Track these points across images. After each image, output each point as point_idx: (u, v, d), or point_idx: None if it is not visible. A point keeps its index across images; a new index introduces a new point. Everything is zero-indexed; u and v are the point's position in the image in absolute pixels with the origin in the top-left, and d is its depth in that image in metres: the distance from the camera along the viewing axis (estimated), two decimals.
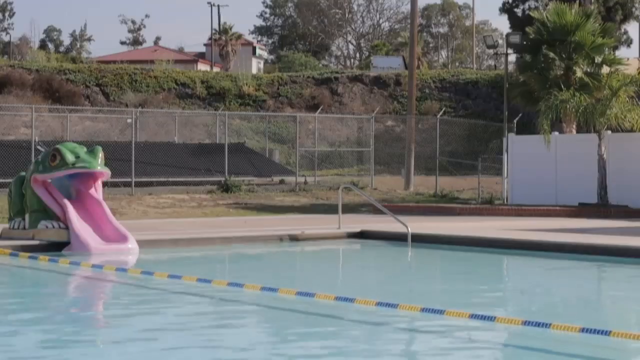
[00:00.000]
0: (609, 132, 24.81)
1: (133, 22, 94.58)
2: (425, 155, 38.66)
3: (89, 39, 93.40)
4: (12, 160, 25.86)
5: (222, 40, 63.85)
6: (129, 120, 37.12)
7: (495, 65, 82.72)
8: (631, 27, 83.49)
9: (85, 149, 15.25)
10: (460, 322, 8.53)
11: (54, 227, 14.71)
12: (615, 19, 50.16)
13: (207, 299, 10.60)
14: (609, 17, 48.34)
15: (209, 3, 71.95)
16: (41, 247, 14.46)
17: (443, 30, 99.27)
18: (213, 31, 68.48)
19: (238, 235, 16.87)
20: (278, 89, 52.51)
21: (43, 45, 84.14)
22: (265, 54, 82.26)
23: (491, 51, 67.65)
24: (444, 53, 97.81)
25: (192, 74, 53.61)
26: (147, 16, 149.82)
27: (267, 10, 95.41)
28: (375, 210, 22.80)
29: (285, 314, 9.57)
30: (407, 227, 16.18)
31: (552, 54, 28.02)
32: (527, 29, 29.78)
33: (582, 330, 7.64)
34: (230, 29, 64.91)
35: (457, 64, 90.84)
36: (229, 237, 16.65)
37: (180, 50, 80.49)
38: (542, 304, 10.74)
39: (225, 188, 28.08)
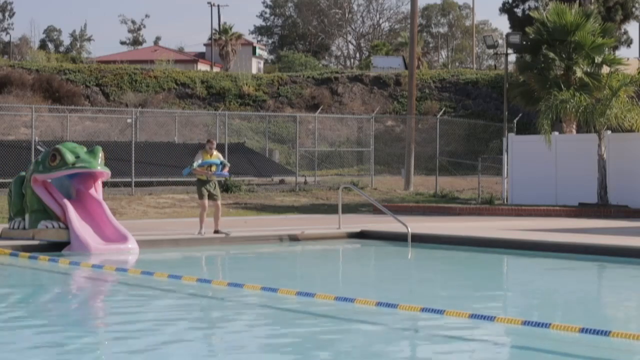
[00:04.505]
0: (609, 132, 24.82)
1: (133, 22, 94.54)
2: (425, 155, 38.68)
3: (89, 39, 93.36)
4: (12, 160, 25.83)
5: (222, 40, 63.82)
6: (129, 120, 37.12)
7: (495, 65, 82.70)
8: (631, 27, 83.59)
9: (85, 149, 15.26)
10: (460, 322, 8.53)
11: (54, 227, 14.71)
12: (615, 19, 50.17)
13: (207, 299, 10.60)
14: (609, 17, 48.36)
15: (209, 3, 71.95)
16: (41, 247, 14.47)
17: (443, 30, 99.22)
18: (213, 31, 68.43)
19: (238, 235, 16.87)
20: (278, 89, 52.50)
21: (43, 45, 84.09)
22: (265, 54, 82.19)
23: (491, 51, 67.64)
24: (444, 53, 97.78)
25: (192, 74, 53.60)
26: (147, 16, 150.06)
27: (267, 10, 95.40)
28: (375, 210, 22.81)
29: (285, 314, 9.57)
30: (407, 227, 16.19)
31: (552, 54, 28.03)
32: (527, 29, 29.80)
33: (582, 330, 7.64)
34: (230, 29, 64.87)
35: (457, 64, 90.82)
36: (229, 237, 16.64)
37: (180, 50, 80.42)
38: (541, 303, 10.74)
39: (225, 188, 28.06)
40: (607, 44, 28.28)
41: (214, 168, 16.90)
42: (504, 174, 28.47)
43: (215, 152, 17.07)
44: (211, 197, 16.90)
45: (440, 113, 39.23)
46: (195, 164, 16.78)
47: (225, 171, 17.24)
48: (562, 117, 26.23)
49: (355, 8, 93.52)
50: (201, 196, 16.90)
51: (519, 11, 55.67)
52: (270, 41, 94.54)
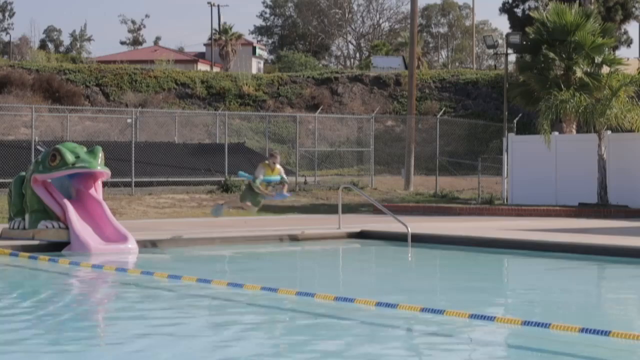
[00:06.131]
0: (609, 132, 24.82)
1: (133, 22, 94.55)
2: (425, 155, 38.68)
3: (89, 39, 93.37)
4: (12, 160, 25.83)
5: (222, 40, 63.85)
6: (129, 120, 37.13)
7: (495, 65, 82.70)
8: (631, 27, 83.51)
9: (85, 149, 15.25)
10: (460, 322, 8.53)
11: (54, 227, 14.70)
12: (615, 19, 50.21)
13: (207, 299, 10.60)
14: (609, 17, 48.39)
15: (209, 3, 71.98)
16: (41, 247, 14.46)
17: (443, 30, 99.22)
18: (213, 31, 68.45)
19: (238, 235, 16.87)
20: (278, 89, 52.51)
21: (43, 45, 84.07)
22: (265, 54, 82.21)
23: (491, 51, 67.64)
24: (444, 53, 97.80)
25: (192, 74, 53.61)
26: (147, 16, 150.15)
27: (267, 10, 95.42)
28: (375, 210, 22.80)
29: (285, 314, 9.57)
30: (407, 227, 16.18)
31: (552, 54, 28.03)
32: (527, 29, 29.81)
33: (582, 330, 7.63)
34: (230, 29, 64.91)
35: (457, 64, 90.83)
36: (229, 237, 16.64)
37: (180, 50, 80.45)
38: (541, 303, 10.74)
39: (225, 188, 28.06)
40: (607, 44, 28.28)
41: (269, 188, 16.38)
42: (504, 174, 28.47)
43: (278, 167, 16.44)
44: (256, 204, 16.76)
45: (440, 113, 39.24)
46: (257, 181, 16.18)
47: (285, 191, 16.66)
48: (562, 117, 26.24)
49: (355, 8, 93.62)
50: (243, 200, 16.76)
51: (519, 11, 55.72)
52: (270, 41, 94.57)
